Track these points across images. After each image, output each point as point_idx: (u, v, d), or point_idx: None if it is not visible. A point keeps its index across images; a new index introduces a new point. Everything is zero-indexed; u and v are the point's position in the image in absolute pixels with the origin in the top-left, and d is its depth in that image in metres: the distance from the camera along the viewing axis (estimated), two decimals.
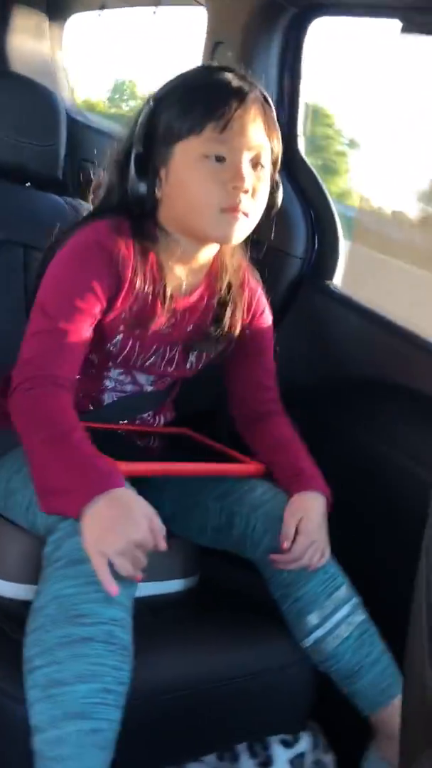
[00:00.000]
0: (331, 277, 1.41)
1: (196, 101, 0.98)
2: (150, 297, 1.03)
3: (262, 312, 1.17)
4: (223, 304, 1.11)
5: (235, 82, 0.99)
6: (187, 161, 0.99)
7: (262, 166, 1.01)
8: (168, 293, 1.04)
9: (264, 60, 1.38)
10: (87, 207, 1.48)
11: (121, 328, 1.05)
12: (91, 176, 1.80)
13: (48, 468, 0.89)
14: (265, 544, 1.03)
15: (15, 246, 1.35)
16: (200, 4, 1.45)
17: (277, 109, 1.39)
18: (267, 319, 1.18)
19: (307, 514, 1.02)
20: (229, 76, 1.00)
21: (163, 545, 0.87)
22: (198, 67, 1.05)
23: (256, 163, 1.00)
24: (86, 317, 0.99)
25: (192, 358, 1.13)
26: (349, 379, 1.33)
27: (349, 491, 1.23)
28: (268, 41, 1.35)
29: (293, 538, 1.00)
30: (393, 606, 1.13)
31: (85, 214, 1.46)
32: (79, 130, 1.84)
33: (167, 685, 0.93)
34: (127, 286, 1.01)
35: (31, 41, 1.87)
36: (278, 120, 1.41)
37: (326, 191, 1.44)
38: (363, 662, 1.01)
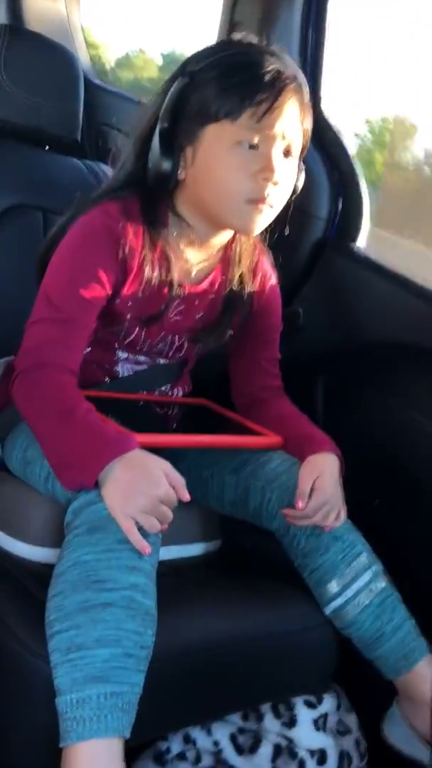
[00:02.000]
0: (355, 239, 1.38)
1: (236, 85, 0.94)
2: (157, 285, 1.01)
3: (273, 299, 1.15)
4: (234, 292, 1.09)
5: (277, 68, 0.95)
6: (218, 146, 0.95)
7: (293, 155, 0.99)
8: (176, 281, 1.02)
9: (287, 13, 1.34)
10: (106, 170, 1.47)
11: (128, 316, 1.03)
12: (109, 140, 1.79)
13: (59, 445, 0.89)
14: (281, 516, 1.03)
15: (34, 210, 1.34)
16: None
17: (300, 67, 1.37)
18: (277, 306, 1.16)
19: (323, 473, 1.02)
20: (270, 59, 0.95)
21: (186, 496, 0.88)
22: (236, 44, 1.00)
23: (286, 152, 0.98)
24: (91, 306, 0.98)
25: (198, 346, 1.13)
26: (373, 344, 1.31)
27: (372, 456, 1.23)
28: None
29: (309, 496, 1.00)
30: (416, 572, 1.13)
31: (103, 178, 1.46)
32: (96, 93, 1.81)
33: (190, 646, 0.93)
34: (133, 274, 0.99)
35: None
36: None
37: (350, 151, 1.40)
38: (384, 629, 1.01)
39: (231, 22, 1.37)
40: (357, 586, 1.00)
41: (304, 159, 1.36)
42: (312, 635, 1.03)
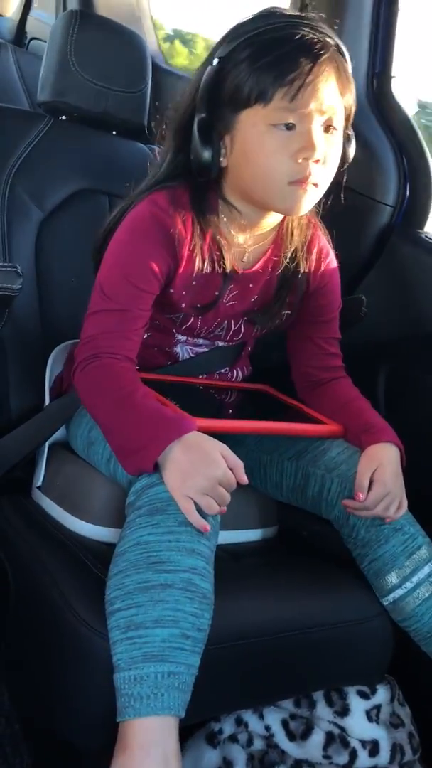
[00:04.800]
0: (422, 226, 1.35)
1: (264, 67, 0.89)
2: (209, 273, 1.01)
3: (331, 277, 1.12)
4: (289, 271, 1.07)
5: (306, 39, 0.90)
6: (254, 131, 0.92)
7: (335, 129, 0.95)
8: (228, 268, 1.02)
9: None
10: None
11: (183, 304, 1.04)
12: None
13: (119, 432, 0.91)
14: (340, 506, 1.02)
15: (100, 195, 1.35)
16: None
17: (370, 47, 1.34)
18: (335, 284, 1.13)
19: (382, 464, 1.00)
20: (300, 31, 0.90)
21: (244, 479, 0.88)
22: (265, 17, 0.93)
23: (328, 127, 0.94)
24: (144, 296, 0.98)
25: (257, 328, 1.12)
26: None
27: None
28: None
29: (368, 488, 0.99)
30: None
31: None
32: (163, 77, 1.81)
33: (246, 631, 0.94)
34: (184, 263, 0.99)
35: None
36: (371, 58, 1.36)
37: (419, 133, 1.37)
38: None
39: (302, 3, 1.35)
40: (417, 579, 0.99)
41: (372, 144, 1.34)
42: (368, 626, 1.02)
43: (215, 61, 0.94)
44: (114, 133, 1.41)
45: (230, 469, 0.87)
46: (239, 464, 0.88)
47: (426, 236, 1.34)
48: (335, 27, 1.26)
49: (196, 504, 0.86)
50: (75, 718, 0.88)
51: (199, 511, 0.86)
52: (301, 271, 1.08)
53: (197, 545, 0.85)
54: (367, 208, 1.33)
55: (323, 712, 1.05)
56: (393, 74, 1.38)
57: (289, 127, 0.92)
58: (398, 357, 1.33)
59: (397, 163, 1.35)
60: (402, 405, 1.29)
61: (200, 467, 0.86)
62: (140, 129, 1.42)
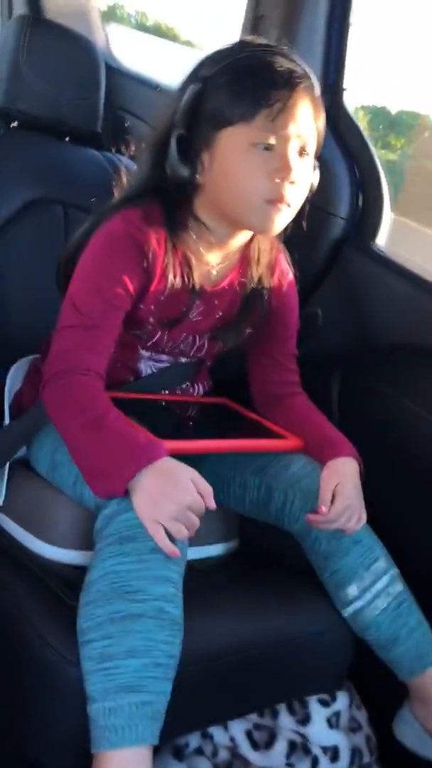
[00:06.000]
0: (374, 238, 1.38)
1: (249, 88, 0.95)
2: (178, 289, 1.02)
3: (290, 296, 1.16)
4: (253, 291, 1.10)
5: (287, 68, 0.96)
6: (234, 149, 0.96)
7: (308, 154, 1.00)
8: (197, 284, 1.03)
9: (311, 7, 1.32)
10: (126, 162, 1.46)
11: (150, 319, 1.05)
12: (125, 125, 1.76)
13: (89, 453, 0.91)
14: (303, 519, 1.04)
15: (54, 204, 1.33)
16: None
17: (323, 60, 1.36)
18: (294, 303, 1.17)
19: (343, 478, 1.03)
20: (281, 60, 0.96)
21: (213, 505, 0.89)
22: (247, 45, 1.00)
23: (302, 151, 0.99)
24: (116, 312, 0.99)
25: (219, 344, 1.14)
26: (390, 343, 1.31)
27: (387, 457, 1.24)
28: None
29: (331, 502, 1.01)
30: (430, 575, 1.15)
31: (122, 169, 1.45)
32: (115, 77, 1.78)
33: (212, 651, 0.95)
34: (156, 280, 1.01)
35: None
36: (324, 70, 1.37)
37: (371, 146, 1.39)
38: (400, 632, 1.03)
39: (255, 16, 1.35)
40: (375, 590, 1.02)
41: (324, 156, 1.36)
42: (329, 637, 1.04)
43: (198, 82, 0.97)
44: (67, 140, 1.38)
45: (200, 494, 0.88)
46: (208, 490, 0.89)
47: (378, 249, 1.37)
48: (290, 41, 1.27)
49: (165, 529, 0.86)
50: (46, 748, 0.87)
51: (168, 536, 0.86)
52: (264, 291, 1.11)
53: (167, 572, 0.86)
54: (321, 220, 1.35)
55: (285, 720, 1.07)
56: (344, 87, 1.40)
57: (268, 147, 0.96)
58: (351, 367, 1.35)
59: (350, 175, 1.37)
60: (354, 415, 1.32)
61: (170, 493, 0.86)
62: (93, 135, 1.41)
